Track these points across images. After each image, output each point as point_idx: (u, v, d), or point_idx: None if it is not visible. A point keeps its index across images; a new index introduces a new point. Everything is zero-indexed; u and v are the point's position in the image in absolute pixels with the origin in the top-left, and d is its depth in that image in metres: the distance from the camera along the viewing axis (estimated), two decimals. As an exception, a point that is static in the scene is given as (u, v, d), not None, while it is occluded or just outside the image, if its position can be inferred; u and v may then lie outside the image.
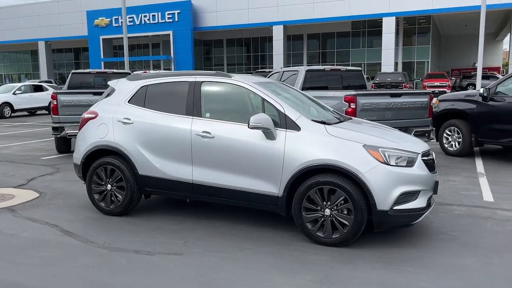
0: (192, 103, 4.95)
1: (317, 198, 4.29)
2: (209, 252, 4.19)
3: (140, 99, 5.26)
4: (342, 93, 7.71)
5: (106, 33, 41.13)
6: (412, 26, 37.18)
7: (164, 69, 37.62)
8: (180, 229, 4.83)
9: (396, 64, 33.48)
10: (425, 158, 4.40)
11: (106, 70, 12.02)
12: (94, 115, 5.43)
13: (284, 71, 10.34)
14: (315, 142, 4.35)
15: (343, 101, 7.66)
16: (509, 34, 41.23)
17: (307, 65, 16.50)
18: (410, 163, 4.24)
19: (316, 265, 3.89)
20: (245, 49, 45.46)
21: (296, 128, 4.45)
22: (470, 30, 44.66)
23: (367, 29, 38.79)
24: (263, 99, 4.70)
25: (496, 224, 4.97)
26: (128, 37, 43.13)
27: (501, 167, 8.02)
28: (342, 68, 9.94)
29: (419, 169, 4.26)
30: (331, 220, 4.27)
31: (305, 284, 3.52)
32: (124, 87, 5.46)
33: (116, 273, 3.74)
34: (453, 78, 39.92)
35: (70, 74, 11.40)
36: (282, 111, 4.55)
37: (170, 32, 38.73)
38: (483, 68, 52.79)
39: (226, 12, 37.42)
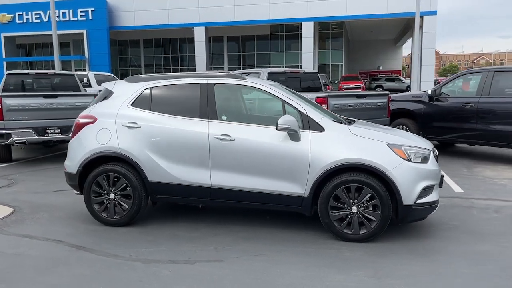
0: (206, 106, 4.84)
1: (344, 197, 4.45)
2: (247, 256, 4.15)
3: (144, 102, 5.02)
4: (313, 95, 7.98)
5: (8, 31, 37.71)
6: (326, 31, 39.13)
7: (76, 70, 35.45)
8: (200, 236, 4.69)
9: (313, 67, 34.98)
10: (433, 154, 4.77)
11: (47, 71, 11.15)
12: (92, 120, 5.07)
13: (242, 73, 10.46)
14: (340, 142, 4.51)
15: (314, 102, 7.94)
16: (409, 40, 45.09)
17: (270, 67, 16.59)
18: (425, 159, 4.57)
19: (357, 261, 4.04)
20: (163, 50, 44.50)
21: (320, 129, 4.57)
22: (375, 36, 48.20)
23: (285, 33, 40.09)
24: (283, 101, 4.75)
25: (481, 212, 5.52)
26: (35, 35, 40.11)
27: (449, 161, 8.84)
28: (301, 70, 10.29)
29: (432, 164, 4.61)
30: (358, 217, 4.45)
31: (362, 279, 3.65)
32: (124, 90, 5.16)
33: (173, 285, 3.56)
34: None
35: (5, 76, 10.38)
36: (304, 112, 4.64)
37: (84, 31, 36.60)
38: (386, 71, 56.76)
39: (145, 12, 36.26)
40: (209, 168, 4.75)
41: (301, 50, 34.81)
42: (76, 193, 5.32)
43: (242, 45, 42.22)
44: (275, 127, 4.62)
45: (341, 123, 4.74)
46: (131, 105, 5.04)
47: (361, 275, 3.72)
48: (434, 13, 31.47)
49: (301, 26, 34.22)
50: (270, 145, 4.60)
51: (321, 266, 3.93)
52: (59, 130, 8.89)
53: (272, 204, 4.72)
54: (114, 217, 5.00)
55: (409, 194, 4.37)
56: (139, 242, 4.54)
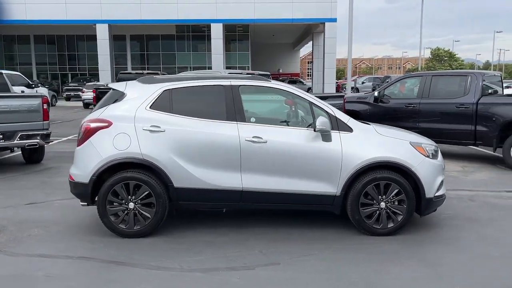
0: (233, 108, 4.76)
1: (374, 193, 4.71)
2: (300, 257, 4.20)
3: (164, 104, 4.77)
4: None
5: None
6: (233, 33, 39.63)
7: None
8: (233, 241, 4.61)
9: (226, 68, 35.24)
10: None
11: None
12: (106, 124, 4.67)
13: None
14: (368, 141, 4.76)
15: (284, 104, 8.14)
16: (308, 44, 47.62)
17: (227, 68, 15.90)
18: (436, 156, 5.02)
19: (398, 252, 4.33)
20: (57, 47, 41.27)
21: (348, 129, 4.78)
22: (276, 40, 50.03)
23: (192, 33, 39.76)
24: (311, 103, 4.86)
25: (459, 201, 6.19)
26: None
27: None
28: (256, 72, 10.44)
29: (441, 159, 5.09)
30: (385, 212, 4.75)
31: (418, 269, 3.94)
32: (139, 91, 4.84)
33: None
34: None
35: None
36: (333, 114, 4.81)
37: (-36, 24, 32.51)
38: (286, 74, 58.93)
39: (38, 5, 33.24)
40: (240, 171, 4.68)
41: (211, 51, 34.82)
42: (83, 205, 4.86)
43: (147, 45, 40.92)
44: (303, 128, 4.74)
45: (365, 123, 5.00)
46: (150, 107, 4.75)
47: (414, 265, 4.01)
48: (334, 20, 33.65)
49: (208, 28, 34.25)
50: (303, 146, 4.69)
51: (372, 260, 4.13)
52: (1, 136, 7.91)
53: (303, 204, 4.82)
54: (135, 228, 4.67)
55: (430, 188, 4.78)
56: (175, 251, 4.32)
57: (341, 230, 4.92)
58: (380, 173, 4.70)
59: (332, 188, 4.71)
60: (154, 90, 4.82)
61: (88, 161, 4.65)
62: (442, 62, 47.23)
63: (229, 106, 4.77)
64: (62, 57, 41.41)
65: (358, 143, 4.74)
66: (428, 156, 4.84)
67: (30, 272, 3.85)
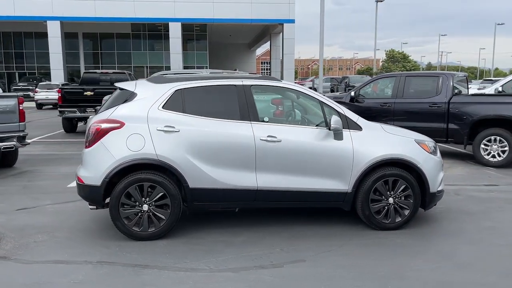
0: (246, 108, 4.77)
1: (383, 189, 4.88)
2: (322, 253, 4.28)
3: (177, 104, 4.71)
4: (268, 96, 8.26)
5: None
6: (190, 33, 39.27)
7: None
8: (251, 240, 4.63)
9: (184, 68, 34.86)
10: None
11: None
12: (118, 125, 4.55)
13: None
14: (377, 139, 4.93)
15: (270, 104, 8.24)
16: (264, 44, 47.98)
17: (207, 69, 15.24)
18: (436, 152, 5.27)
19: (413, 246, 4.52)
20: (4, 45, 39.18)
21: (358, 128, 4.92)
22: (232, 40, 50.06)
23: (148, 32, 39.00)
24: (322, 102, 4.96)
25: (446, 195, 6.51)
26: None
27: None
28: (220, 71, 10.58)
29: (440, 156, 5.35)
30: (393, 207, 4.93)
31: (439, 261, 4.13)
32: (150, 91, 4.75)
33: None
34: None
35: None
36: (343, 113, 4.94)
37: None
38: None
39: (-18, 0, 31.48)
40: (255, 171, 4.70)
41: (168, 50, 34.34)
42: (91, 208, 4.71)
43: (100, 43, 39.69)
44: (315, 126, 4.84)
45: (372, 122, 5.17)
46: (162, 107, 4.67)
47: (433, 257, 4.20)
48: (292, 21, 34.20)
49: (165, 27, 33.75)
50: (316, 145, 4.78)
51: (392, 254, 4.28)
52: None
53: (315, 201, 4.91)
54: (149, 230, 4.58)
55: (434, 183, 5.02)
56: (196, 252, 4.28)
57: (349, 226, 5.05)
58: (389, 170, 4.88)
59: (344, 185, 4.84)
60: (166, 90, 4.75)
61: (100, 163, 4.51)
62: (396, 63, 49.18)
63: (242, 106, 4.78)
64: (8, 55, 39.36)
65: (368, 141, 4.89)
66: (431, 153, 5.08)
67: (53, 279, 3.69)
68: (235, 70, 56.73)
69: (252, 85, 4.90)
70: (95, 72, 15.59)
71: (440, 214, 5.55)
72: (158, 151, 4.52)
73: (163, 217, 4.59)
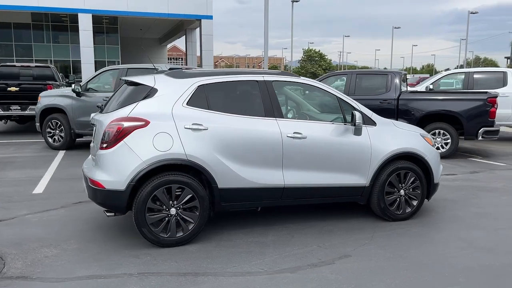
0: (270, 104, 4.67)
1: (396, 182, 5.09)
2: (360, 247, 4.34)
3: (201, 100, 4.45)
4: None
5: None
6: (100, 25, 37.08)
7: None
8: (282, 239, 4.54)
9: (95, 62, 32.82)
10: None
11: None
12: (142, 123, 4.17)
13: (128, 68, 9.66)
14: (390, 134, 5.11)
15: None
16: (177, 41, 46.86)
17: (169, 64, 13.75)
18: (434, 145, 5.62)
19: (433, 234, 4.77)
20: None
21: (373, 123, 5.07)
22: (143, 34, 48.27)
23: (51, 23, 36.04)
24: (339, 99, 5.02)
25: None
26: None
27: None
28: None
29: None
30: (404, 199, 5.17)
31: (469, 246, 4.40)
32: (172, 87, 4.42)
33: (371, 282, 3.52)
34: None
35: None
36: (359, 109, 5.04)
37: None
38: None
39: None
40: (282, 168, 4.63)
41: (75, 43, 32.11)
42: (109, 215, 4.28)
43: (-4, 33, 35.80)
44: (337, 122, 4.89)
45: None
46: (187, 104, 4.38)
47: (458, 243, 4.47)
48: (210, 17, 33.89)
49: (71, 18, 31.51)
50: (339, 140, 4.84)
51: (419, 243, 4.47)
52: None
53: (336, 197, 4.97)
54: (177, 235, 4.28)
55: (437, 174, 5.35)
56: (238, 255, 4.10)
57: (363, 219, 5.18)
58: (401, 163, 5.09)
59: (363, 179, 4.95)
60: (188, 85, 4.46)
61: (124, 165, 4.11)
62: (313, 62, 51.07)
63: (266, 102, 4.66)
64: None
65: (382, 135, 5.05)
66: (433, 146, 5.41)
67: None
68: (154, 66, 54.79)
69: (273, 80, 4.80)
70: (14, 66, 14.02)
71: (429, 204, 5.91)
72: (187, 150, 4.23)
73: (191, 220, 4.32)
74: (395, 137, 5.13)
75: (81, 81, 13.18)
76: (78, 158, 9.19)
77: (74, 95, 9.84)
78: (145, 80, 4.49)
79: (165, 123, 4.24)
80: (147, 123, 4.18)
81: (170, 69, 9.20)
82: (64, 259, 3.98)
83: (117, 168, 4.12)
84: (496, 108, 9.58)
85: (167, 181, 4.19)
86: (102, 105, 4.95)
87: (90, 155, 4.94)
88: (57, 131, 10.22)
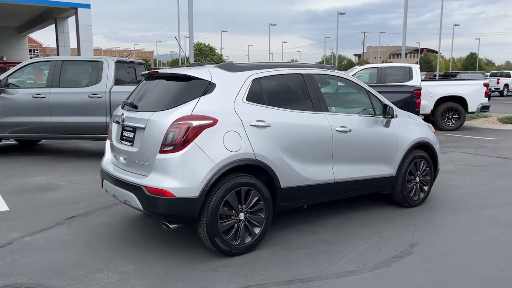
0: (317, 97, 4.55)
1: (414, 170, 5.38)
2: (418, 238, 4.49)
3: (257, 95, 4.14)
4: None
5: None
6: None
7: None
8: (340, 235, 4.45)
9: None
10: None
11: None
12: (211, 121, 3.72)
13: (62, 60, 8.39)
14: (407, 125, 5.36)
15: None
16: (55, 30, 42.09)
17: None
18: None
19: (452, 218, 5.11)
20: None
21: (394, 115, 5.26)
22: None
23: None
24: (368, 92, 5.09)
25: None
26: None
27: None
28: (136, 60, 9.34)
29: None
30: (419, 186, 5.49)
31: (496, 224, 4.86)
32: (228, 81, 4.03)
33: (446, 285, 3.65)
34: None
35: None
36: (384, 101, 5.18)
37: None
38: (12, 62, 51.29)
39: None
40: (331, 163, 4.56)
41: None
42: (173, 227, 3.75)
43: None
44: (366, 115, 4.98)
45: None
46: (246, 99, 4.04)
47: (484, 224, 4.88)
48: (88, 6, 31.29)
49: None
50: (375, 133, 4.94)
51: (451, 227, 4.72)
52: None
53: (371, 188, 5.07)
54: (246, 242, 3.94)
55: (440, 161, 5.79)
56: (319, 256, 3.90)
57: (380, 209, 5.35)
58: (417, 152, 5.39)
59: (392, 169, 5.13)
60: (244, 79, 4.11)
61: (196, 169, 3.63)
62: (205, 56, 49.90)
63: (313, 96, 4.53)
64: None
65: (403, 127, 5.28)
66: (434, 134, 5.84)
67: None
68: (2, 58, 48.87)
69: (315, 74, 4.68)
70: None
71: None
72: (256, 149, 3.91)
73: (258, 224, 4.01)
74: (411, 127, 5.41)
75: None
76: (10, 166, 7.83)
77: None
78: (200, 73, 4.00)
79: (232, 121, 3.85)
80: (215, 121, 3.75)
81: (117, 62, 8.40)
82: (139, 283, 3.38)
83: (189, 173, 3.61)
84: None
85: (237, 184, 3.82)
86: (131, 101, 4.26)
87: (116, 158, 4.28)
88: None
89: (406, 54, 30.35)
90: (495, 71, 40.58)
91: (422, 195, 5.54)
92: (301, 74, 4.55)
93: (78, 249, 4.07)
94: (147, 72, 4.53)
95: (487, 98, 13.72)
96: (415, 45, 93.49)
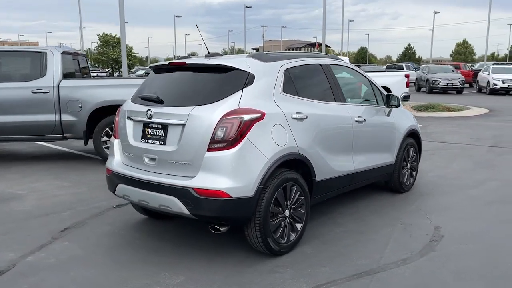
0: (336, 88, 4.50)
1: (407, 157, 5.61)
2: (437, 225, 4.64)
3: (290, 86, 3.98)
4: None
5: None
6: None
7: None
8: (359, 225, 4.48)
9: None
10: None
11: None
12: (259, 115, 3.47)
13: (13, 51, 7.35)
14: (400, 114, 5.52)
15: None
16: None
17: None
18: None
19: (455, 202, 5.32)
20: None
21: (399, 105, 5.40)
22: None
23: None
24: (371, 82, 5.16)
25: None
26: None
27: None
28: (79, 52, 8.44)
29: None
30: (409, 171, 5.74)
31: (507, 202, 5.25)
32: (266, 72, 3.80)
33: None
34: None
35: None
36: (383, 92, 5.30)
37: None
38: None
39: None
40: (352, 153, 4.56)
41: None
42: (223, 230, 3.47)
43: None
44: (372, 105, 5.07)
45: None
46: (283, 91, 3.85)
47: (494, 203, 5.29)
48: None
49: None
50: (382, 122, 5.06)
51: (455, 209, 5.01)
52: None
53: (376, 177, 5.16)
54: (291, 239, 3.78)
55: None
56: (363, 247, 3.89)
57: (376, 194, 5.51)
58: (408, 140, 5.62)
59: (392, 157, 5.29)
60: (277, 69, 3.91)
61: (251, 166, 3.38)
62: (113, 48, 46.03)
63: (333, 86, 4.47)
64: None
65: (398, 115, 5.44)
66: (415, 122, 6.14)
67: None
68: None
69: (331, 64, 4.61)
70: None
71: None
72: (298, 143, 3.76)
73: (299, 220, 3.87)
74: (403, 116, 5.60)
75: None
76: None
77: None
78: (238, 64, 3.69)
79: (276, 114, 3.64)
80: (263, 114, 3.50)
81: (63, 53, 7.51)
82: None
83: (244, 171, 3.34)
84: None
85: (284, 180, 3.63)
86: (156, 96, 3.79)
87: (134, 159, 3.82)
88: None
89: (301, 47, 31.66)
90: (390, 64, 44.08)
91: (411, 180, 5.80)
92: (320, 64, 4.47)
93: (102, 264, 3.58)
94: (167, 62, 4.08)
95: (407, 88, 14.88)
96: (313, 39, 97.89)
